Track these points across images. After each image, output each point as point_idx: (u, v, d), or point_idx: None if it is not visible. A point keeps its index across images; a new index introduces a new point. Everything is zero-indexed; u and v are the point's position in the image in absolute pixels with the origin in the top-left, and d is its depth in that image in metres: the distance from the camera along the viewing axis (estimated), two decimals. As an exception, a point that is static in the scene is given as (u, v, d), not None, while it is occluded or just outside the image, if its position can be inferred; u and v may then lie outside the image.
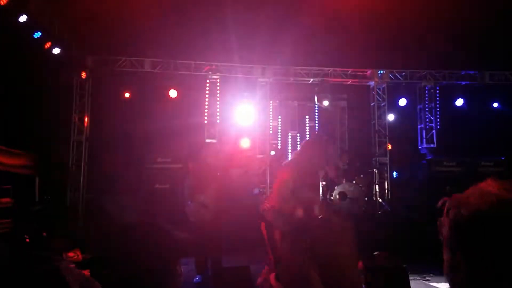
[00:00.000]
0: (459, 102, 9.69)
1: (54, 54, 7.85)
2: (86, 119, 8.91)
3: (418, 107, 9.90)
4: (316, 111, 10.42)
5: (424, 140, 9.67)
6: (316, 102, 9.57)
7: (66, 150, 8.77)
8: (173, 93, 9.05)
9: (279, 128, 10.49)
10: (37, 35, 7.40)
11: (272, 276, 3.82)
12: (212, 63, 9.28)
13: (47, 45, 7.73)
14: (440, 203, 0.97)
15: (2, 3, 6.36)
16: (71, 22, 8.21)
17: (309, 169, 3.68)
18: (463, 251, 0.88)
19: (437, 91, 9.73)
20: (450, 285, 0.92)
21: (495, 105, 9.61)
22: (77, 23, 8.18)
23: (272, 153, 9.66)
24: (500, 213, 0.86)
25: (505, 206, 0.86)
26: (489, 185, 0.93)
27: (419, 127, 9.87)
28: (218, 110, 9.28)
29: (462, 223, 0.89)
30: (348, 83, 9.81)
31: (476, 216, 0.88)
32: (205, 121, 9.21)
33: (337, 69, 9.61)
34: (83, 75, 8.85)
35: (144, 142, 8.75)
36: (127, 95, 9.02)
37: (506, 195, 0.88)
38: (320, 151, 3.73)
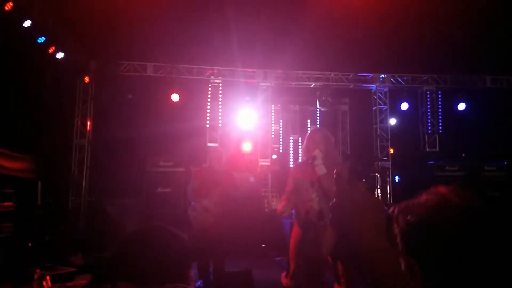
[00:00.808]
0: (461, 106, 9.69)
1: (57, 58, 7.90)
2: (88, 123, 8.95)
3: (420, 111, 9.90)
4: (318, 115, 10.43)
5: (427, 144, 9.66)
6: (318, 106, 9.59)
7: (68, 154, 8.79)
8: (175, 97, 9.08)
9: (281, 132, 10.51)
10: (41, 39, 7.45)
11: (282, 276, 3.83)
12: (214, 67, 9.32)
13: (51, 49, 7.79)
14: (391, 210, 0.99)
15: (6, 8, 6.41)
16: (75, 27, 8.26)
17: (304, 163, 3.67)
18: (414, 257, 0.89)
19: (439, 95, 9.73)
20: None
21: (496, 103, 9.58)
22: (81, 27, 8.22)
23: (274, 156, 9.67)
24: (442, 217, 0.88)
25: (448, 211, 0.88)
26: (436, 192, 0.94)
27: (421, 131, 9.86)
28: (220, 114, 9.31)
29: (410, 229, 0.91)
30: (350, 87, 9.82)
31: (421, 222, 0.89)
32: (207, 125, 9.24)
33: (339, 73, 9.63)
34: (86, 79, 8.89)
35: (146, 146, 8.77)
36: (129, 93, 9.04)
37: (450, 199, 0.90)
38: (307, 141, 3.68)
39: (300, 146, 10.34)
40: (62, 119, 8.88)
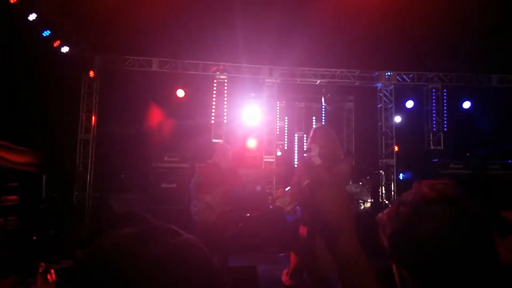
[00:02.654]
0: (466, 104, 9.65)
1: (62, 52, 7.88)
2: (93, 118, 8.94)
3: (425, 109, 9.86)
4: (323, 112, 10.41)
5: (431, 142, 9.63)
6: (323, 103, 9.56)
7: (73, 148, 8.80)
8: (180, 93, 9.07)
9: (286, 128, 10.49)
10: (46, 33, 7.43)
11: (284, 273, 3.84)
12: (219, 63, 9.29)
13: (56, 43, 7.76)
14: (378, 217, 0.97)
15: (11, 1, 6.40)
16: (80, 21, 8.24)
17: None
18: (403, 266, 0.87)
19: (444, 94, 9.69)
20: None
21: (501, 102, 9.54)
22: (86, 22, 8.21)
23: (279, 153, 9.66)
24: (429, 222, 0.85)
25: (434, 213, 0.85)
26: (420, 193, 0.91)
27: (426, 129, 9.83)
28: (225, 110, 9.29)
29: (397, 237, 0.89)
30: (355, 84, 9.79)
31: (407, 227, 0.87)
32: (212, 121, 9.22)
33: (344, 70, 9.60)
34: (91, 74, 8.88)
35: (151, 142, 8.77)
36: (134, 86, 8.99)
37: (434, 200, 0.87)
38: (309, 140, 3.75)
39: (305, 143, 10.32)
40: (67, 114, 8.87)
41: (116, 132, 8.80)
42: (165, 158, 8.10)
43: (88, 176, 8.71)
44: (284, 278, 3.80)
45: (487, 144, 9.36)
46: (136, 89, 9.06)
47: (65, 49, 7.92)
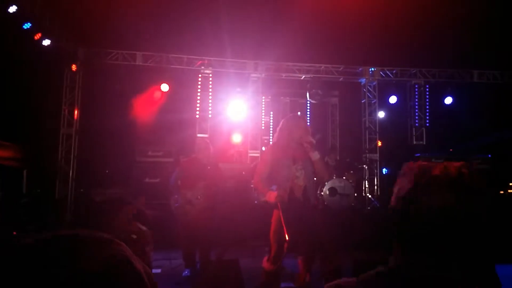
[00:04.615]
0: (448, 100, 9.81)
1: (44, 45, 7.76)
2: (76, 112, 8.84)
3: (408, 104, 10.00)
4: (308, 107, 10.47)
5: (414, 137, 9.77)
6: (308, 99, 9.61)
7: (55, 143, 8.69)
8: (164, 87, 9.02)
9: (271, 123, 10.52)
10: (27, 26, 7.30)
11: (264, 260, 3.89)
12: (204, 57, 9.26)
13: (37, 36, 7.63)
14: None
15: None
16: (62, 14, 8.12)
17: (286, 145, 3.78)
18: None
19: (427, 89, 9.83)
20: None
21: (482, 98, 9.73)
22: (68, 14, 8.09)
23: (264, 148, 9.69)
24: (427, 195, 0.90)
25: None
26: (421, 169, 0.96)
27: (409, 124, 9.97)
28: (210, 105, 9.28)
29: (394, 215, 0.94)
30: (339, 80, 9.85)
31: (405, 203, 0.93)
32: (197, 116, 9.20)
33: (329, 65, 9.65)
34: (74, 67, 8.76)
35: (135, 136, 8.71)
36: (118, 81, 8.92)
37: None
38: (292, 126, 3.80)
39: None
40: (49, 108, 8.76)
41: (100, 126, 8.73)
42: (149, 153, 8.07)
43: (71, 170, 8.63)
44: (265, 264, 3.86)
45: (469, 139, 9.55)
46: (119, 83, 8.99)
47: (46, 42, 7.79)
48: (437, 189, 0.89)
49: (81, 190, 8.68)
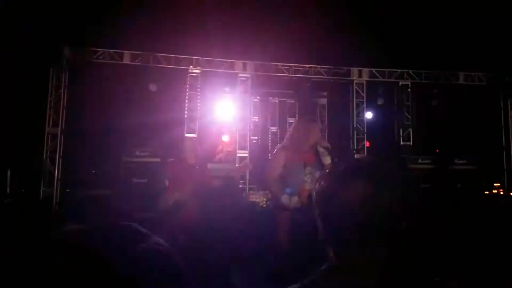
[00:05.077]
0: (435, 101, 9.92)
1: (29, 44, 7.62)
2: (61, 111, 8.71)
3: (396, 105, 10.09)
4: (296, 107, 10.49)
5: (401, 138, 9.87)
6: (296, 99, 9.63)
7: (40, 142, 8.56)
8: (152, 87, 8.93)
9: (260, 124, 10.52)
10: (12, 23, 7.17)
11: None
12: (193, 57, 9.20)
13: (22, 34, 7.50)
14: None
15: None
16: (48, 11, 7.99)
17: (298, 148, 3.79)
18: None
19: (414, 90, 9.94)
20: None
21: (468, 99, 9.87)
22: (55, 11, 7.96)
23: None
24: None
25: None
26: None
27: (396, 125, 10.06)
28: (198, 104, 9.23)
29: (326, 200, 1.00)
30: (328, 80, 9.89)
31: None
32: (185, 116, 9.14)
33: (318, 66, 9.68)
34: (60, 66, 8.63)
35: (122, 136, 8.62)
36: (105, 80, 8.81)
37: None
38: (308, 130, 3.83)
39: (279, 139, 10.39)
40: (34, 107, 8.62)
41: (86, 126, 8.61)
42: (137, 153, 8.00)
43: (56, 171, 8.50)
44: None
45: (455, 140, 9.67)
46: (107, 82, 8.88)
47: (31, 40, 7.66)
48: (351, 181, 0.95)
49: (67, 190, 8.56)
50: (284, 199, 3.71)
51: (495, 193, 12.58)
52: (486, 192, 11.46)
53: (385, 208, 0.93)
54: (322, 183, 1.01)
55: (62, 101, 8.72)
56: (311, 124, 3.94)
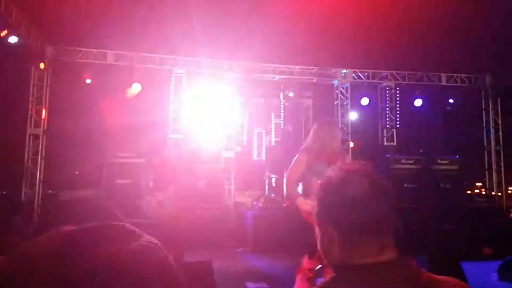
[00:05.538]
0: (418, 102, 10.07)
1: (10, 43, 7.50)
2: (44, 111, 8.58)
3: (380, 106, 10.21)
4: (282, 108, 10.52)
5: (385, 138, 9.99)
6: (282, 100, 9.67)
7: (22, 143, 8.41)
8: (137, 87, 8.86)
9: (246, 124, 10.51)
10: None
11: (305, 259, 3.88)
12: (177, 57, 9.16)
13: (3, 33, 7.38)
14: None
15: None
16: (30, 10, 7.86)
17: (321, 150, 3.79)
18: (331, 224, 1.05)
19: (398, 91, 10.07)
20: (327, 258, 1.09)
21: (450, 101, 10.03)
22: (36, 11, 7.84)
23: (238, 149, 9.68)
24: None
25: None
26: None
27: (380, 125, 10.18)
28: (183, 105, 9.19)
29: (326, 200, 1.10)
30: (313, 81, 9.95)
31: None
32: (170, 116, 9.09)
33: (303, 67, 9.74)
34: (42, 65, 8.51)
35: (106, 137, 8.53)
36: (88, 81, 8.71)
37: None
38: (331, 131, 3.85)
39: (264, 139, 10.41)
40: (16, 107, 8.47)
41: (69, 127, 8.50)
42: (120, 154, 7.92)
43: (38, 172, 8.36)
44: (308, 263, 3.81)
45: (437, 140, 9.83)
46: (90, 82, 8.78)
47: (13, 39, 7.54)
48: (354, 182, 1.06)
49: (50, 191, 8.44)
50: (299, 201, 3.72)
51: (477, 192, 12.80)
52: (468, 192, 11.66)
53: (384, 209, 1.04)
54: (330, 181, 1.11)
55: (44, 101, 8.59)
56: (333, 125, 4.00)
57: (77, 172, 9.02)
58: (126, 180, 7.65)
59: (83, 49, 8.70)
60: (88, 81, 8.52)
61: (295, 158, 3.90)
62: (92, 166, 8.32)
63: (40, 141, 8.46)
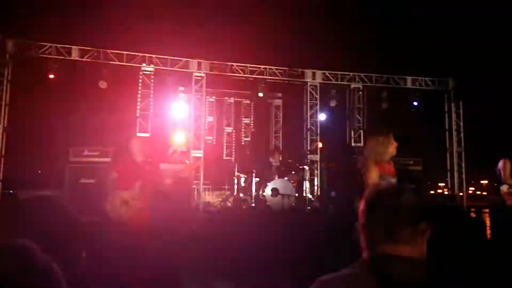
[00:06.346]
0: (384, 104, 10.30)
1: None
2: (4, 108, 8.23)
3: (348, 107, 10.38)
4: (252, 108, 10.54)
5: (352, 139, 10.16)
6: (252, 100, 9.68)
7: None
8: (102, 84, 8.63)
9: (215, 124, 10.47)
10: None
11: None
12: (146, 54, 9.00)
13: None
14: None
15: None
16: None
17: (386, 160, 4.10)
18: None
19: (365, 93, 10.28)
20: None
21: (415, 103, 10.31)
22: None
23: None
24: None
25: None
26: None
27: (348, 126, 10.35)
28: (151, 103, 9.04)
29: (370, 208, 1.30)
30: (283, 81, 10.01)
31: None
32: (137, 114, 8.93)
33: (273, 67, 9.77)
34: (2, 60, 8.16)
35: (70, 134, 8.28)
36: (51, 76, 8.41)
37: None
38: (384, 143, 4.10)
39: (234, 139, 10.40)
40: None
41: (31, 124, 8.21)
42: (85, 152, 7.69)
43: (-3, 171, 8.02)
44: None
45: (402, 141, 10.06)
46: (54, 79, 8.49)
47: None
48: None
49: (10, 191, 8.11)
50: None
51: (440, 192, 13.24)
52: (432, 192, 12.04)
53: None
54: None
55: (4, 98, 8.24)
56: (389, 137, 4.19)
57: (39, 171, 8.71)
58: (90, 179, 7.43)
59: (47, 44, 8.40)
60: (51, 76, 8.22)
61: (368, 168, 4.03)
62: (55, 165, 8.05)
63: (0, 139, 8.11)
